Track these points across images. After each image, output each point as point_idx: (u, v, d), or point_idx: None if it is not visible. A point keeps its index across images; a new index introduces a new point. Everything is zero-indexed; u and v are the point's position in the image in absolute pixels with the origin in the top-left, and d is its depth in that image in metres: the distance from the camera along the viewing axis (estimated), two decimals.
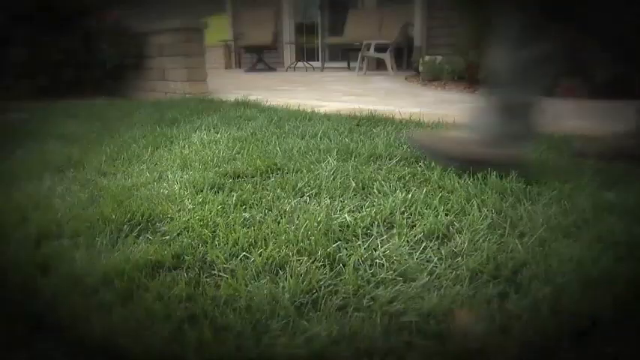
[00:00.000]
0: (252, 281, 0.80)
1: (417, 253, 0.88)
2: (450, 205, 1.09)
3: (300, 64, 8.51)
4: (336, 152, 1.58)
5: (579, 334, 0.65)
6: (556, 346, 0.63)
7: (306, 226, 0.97)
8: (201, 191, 1.23)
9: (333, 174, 1.34)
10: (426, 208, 1.07)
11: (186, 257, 0.88)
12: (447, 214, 1.04)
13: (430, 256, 0.87)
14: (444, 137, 1.41)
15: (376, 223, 1.01)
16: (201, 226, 1.01)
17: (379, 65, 6.66)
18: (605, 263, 0.81)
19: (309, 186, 1.24)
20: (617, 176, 1.24)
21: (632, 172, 1.29)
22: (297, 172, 1.38)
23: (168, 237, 0.98)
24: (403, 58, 6.80)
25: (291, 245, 0.90)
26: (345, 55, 8.03)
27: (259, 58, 8.43)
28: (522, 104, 1.31)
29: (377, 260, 0.86)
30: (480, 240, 0.92)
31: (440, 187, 1.21)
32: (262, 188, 1.25)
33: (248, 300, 0.74)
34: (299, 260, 0.85)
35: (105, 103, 3.81)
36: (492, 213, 1.04)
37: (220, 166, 1.46)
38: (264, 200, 1.16)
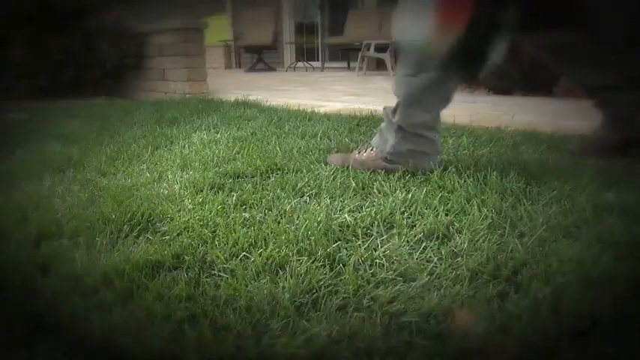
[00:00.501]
0: (252, 281, 0.80)
1: (417, 253, 0.88)
2: (450, 205, 1.09)
3: (300, 64, 8.51)
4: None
5: (579, 334, 0.65)
6: (556, 346, 0.63)
7: (306, 226, 0.97)
8: (201, 191, 1.23)
9: (333, 174, 1.34)
10: (426, 208, 1.07)
11: (186, 257, 0.88)
12: (447, 214, 1.04)
13: (430, 256, 0.87)
14: (351, 158, 1.46)
15: (376, 223, 1.01)
16: (201, 226, 1.01)
17: (379, 65, 6.66)
18: (605, 263, 0.81)
19: (309, 186, 1.24)
20: (617, 176, 1.24)
21: (632, 172, 1.29)
22: (297, 172, 1.38)
23: (168, 237, 0.98)
24: None
25: (291, 245, 0.90)
26: (345, 55, 8.02)
27: (259, 58, 8.43)
28: (420, 124, 1.37)
29: (377, 260, 0.86)
30: (480, 240, 0.92)
31: (440, 187, 1.21)
32: (262, 188, 1.25)
33: (248, 300, 0.74)
34: (299, 260, 0.85)
35: (105, 103, 3.82)
36: (492, 213, 1.04)
37: (220, 166, 1.46)
38: (264, 200, 1.16)
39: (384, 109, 1.46)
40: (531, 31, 1.45)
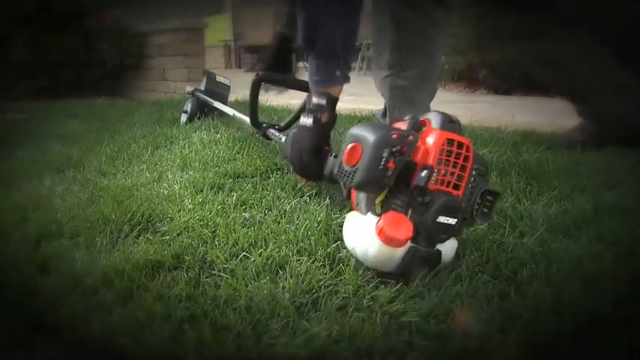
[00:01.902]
0: (252, 281, 0.80)
1: None
2: None
3: (300, 64, 8.51)
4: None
5: (579, 333, 0.65)
6: (556, 346, 0.63)
7: (306, 226, 0.97)
8: (201, 191, 1.23)
9: None
10: None
11: (186, 257, 0.88)
12: None
13: None
14: None
15: None
16: (201, 226, 1.01)
17: None
18: (605, 262, 0.81)
19: (309, 186, 1.24)
20: (617, 176, 1.24)
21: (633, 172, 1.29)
22: None
23: (168, 237, 0.98)
24: None
25: (291, 245, 0.90)
26: None
27: (259, 58, 8.43)
28: None
29: None
30: (480, 240, 0.92)
31: None
32: (262, 188, 1.25)
33: (248, 300, 0.74)
34: (299, 260, 0.85)
35: (105, 103, 3.82)
36: (492, 213, 1.03)
37: (220, 166, 1.46)
38: (264, 200, 1.15)
39: (374, 115, 1.47)
40: (514, 40, 1.48)
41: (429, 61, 1.45)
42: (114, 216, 1.07)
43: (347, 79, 1.19)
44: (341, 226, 0.98)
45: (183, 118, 2.32)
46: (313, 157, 1.12)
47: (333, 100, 1.17)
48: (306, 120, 1.16)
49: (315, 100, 1.17)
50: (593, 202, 1.06)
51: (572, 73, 1.49)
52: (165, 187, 1.30)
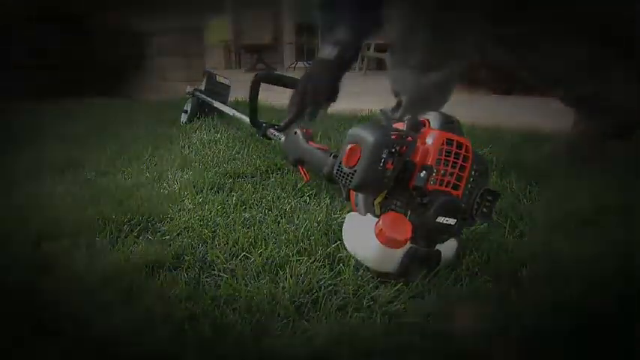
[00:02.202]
0: (252, 281, 0.80)
1: None
2: None
3: (300, 64, 8.51)
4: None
5: (579, 333, 0.65)
6: (556, 346, 0.63)
7: (306, 226, 0.97)
8: (201, 191, 1.23)
9: None
10: None
11: (186, 257, 0.88)
12: None
13: None
14: None
15: None
16: (201, 226, 1.01)
17: (379, 65, 6.66)
18: (605, 262, 0.81)
19: (309, 186, 1.24)
20: (617, 177, 1.24)
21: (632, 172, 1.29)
22: (297, 172, 1.38)
23: (168, 237, 0.98)
24: None
25: (291, 245, 0.90)
26: None
27: (259, 58, 8.44)
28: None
29: None
30: (480, 240, 0.92)
31: None
32: (262, 188, 1.25)
33: (248, 300, 0.74)
34: (299, 260, 0.85)
35: (105, 103, 3.81)
36: (492, 213, 1.03)
37: (220, 166, 1.46)
38: (264, 200, 1.16)
39: (381, 110, 1.45)
40: (493, 25, 1.45)
41: (459, 65, 1.42)
42: (114, 216, 1.07)
43: (360, 48, 1.15)
44: (341, 226, 0.98)
45: (183, 118, 2.32)
46: (324, 90, 1.08)
47: (356, 38, 1.12)
48: (327, 51, 1.11)
49: (340, 34, 1.10)
50: (593, 202, 1.06)
51: (562, 62, 1.46)
52: (166, 187, 1.30)
